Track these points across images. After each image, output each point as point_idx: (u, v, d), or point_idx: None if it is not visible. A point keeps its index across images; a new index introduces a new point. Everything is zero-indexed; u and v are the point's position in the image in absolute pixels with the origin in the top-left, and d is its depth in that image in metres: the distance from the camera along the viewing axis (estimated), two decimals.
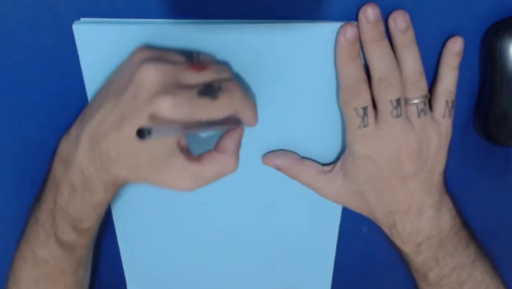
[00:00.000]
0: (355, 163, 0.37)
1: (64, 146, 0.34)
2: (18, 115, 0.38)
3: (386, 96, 0.34)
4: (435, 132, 0.36)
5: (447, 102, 0.36)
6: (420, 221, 0.38)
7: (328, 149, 0.40)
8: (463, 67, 0.36)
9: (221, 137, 0.33)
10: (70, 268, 0.38)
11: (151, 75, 0.29)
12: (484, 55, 0.37)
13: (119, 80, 0.31)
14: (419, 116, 0.35)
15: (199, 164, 0.32)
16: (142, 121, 0.29)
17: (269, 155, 0.39)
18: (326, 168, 0.39)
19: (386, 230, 0.39)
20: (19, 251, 0.38)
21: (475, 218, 0.41)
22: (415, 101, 0.35)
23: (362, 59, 0.35)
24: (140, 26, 0.34)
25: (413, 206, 0.38)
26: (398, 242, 0.39)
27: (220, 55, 0.35)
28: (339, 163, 0.39)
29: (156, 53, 0.31)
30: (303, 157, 0.40)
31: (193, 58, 0.32)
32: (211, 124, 0.30)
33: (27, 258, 0.37)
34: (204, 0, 0.34)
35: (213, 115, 0.29)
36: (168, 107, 0.28)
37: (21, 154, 0.39)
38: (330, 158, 0.40)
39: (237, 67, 0.36)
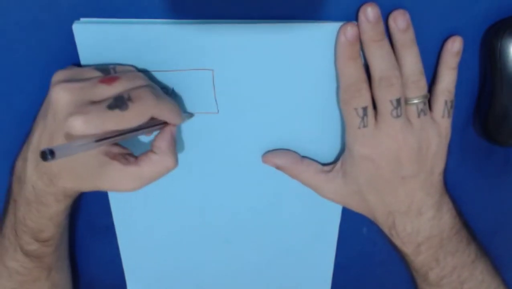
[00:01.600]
0: (355, 163, 0.37)
1: (18, 165, 0.36)
2: (18, 115, 0.38)
3: (386, 96, 0.34)
4: (435, 132, 0.36)
5: (446, 102, 0.36)
6: (420, 221, 0.38)
7: (328, 149, 0.40)
8: (463, 67, 0.36)
9: (154, 138, 0.34)
10: (42, 274, 0.40)
11: (61, 96, 0.30)
12: (484, 55, 0.37)
13: (46, 103, 0.34)
14: (419, 116, 0.35)
15: (137, 166, 0.33)
16: (61, 141, 0.31)
17: (269, 154, 0.39)
18: (326, 168, 0.39)
19: (386, 230, 0.39)
20: None
21: (475, 218, 0.41)
22: (415, 101, 0.35)
23: (363, 59, 0.35)
24: (140, 26, 0.34)
25: (413, 206, 0.38)
26: (398, 242, 0.39)
27: (220, 55, 0.35)
28: (339, 163, 0.39)
29: (69, 73, 0.32)
30: (303, 157, 0.40)
31: (109, 72, 0.34)
32: (135, 130, 0.31)
33: (1, 270, 0.40)
34: (204, 0, 0.34)
35: (126, 124, 0.31)
36: (79, 125, 0.29)
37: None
38: (330, 158, 0.40)
39: (237, 67, 0.36)
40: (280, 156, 0.39)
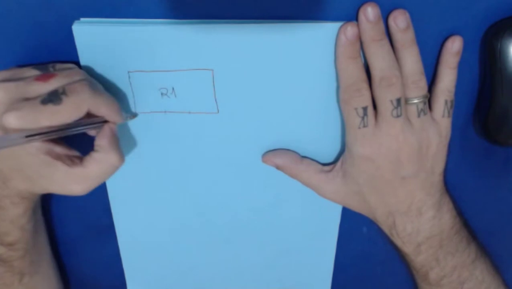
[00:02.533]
0: (355, 163, 0.37)
1: None
2: None
3: (386, 96, 0.34)
4: (435, 132, 0.36)
5: (446, 102, 0.36)
6: (420, 221, 0.38)
7: (328, 149, 0.40)
8: (462, 67, 0.36)
9: (96, 138, 0.34)
10: (14, 279, 0.40)
11: None
12: (484, 55, 0.37)
13: None
14: (419, 116, 0.35)
15: (82, 167, 0.33)
16: None
17: (269, 154, 0.39)
18: (326, 168, 0.39)
19: (386, 230, 0.39)
20: None
21: (475, 218, 0.41)
22: (415, 100, 0.35)
23: (363, 59, 0.35)
24: (140, 26, 0.34)
25: (413, 206, 0.38)
26: (398, 242, 0.39)
27: (220, 55, 0.35)
28: (339, 163, 0.39)
29: (8, 73, 0.32)
30: (303, 157, 0.40)
31: (48, 70, 0.34)
32: (73, 127, 0.31)
33: None
34: (204, 0, 0.34)
35: (61, 119, 0.31)
36: (13, 121, 0.29)
37: None
38: (330, 158, 0.40)
39: (237, 67, 0.36)
40: (280, 156, 0.39)
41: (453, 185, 0.39)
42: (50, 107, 0.30)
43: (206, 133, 0.39)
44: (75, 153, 0.35)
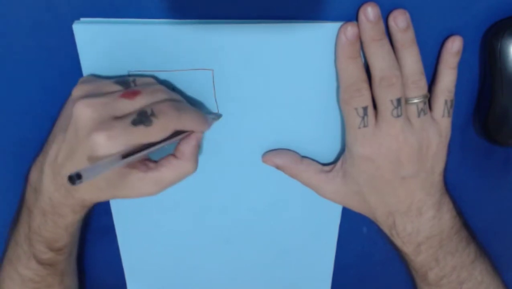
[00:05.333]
0: (355, 163, 0.37)
1: (33, 175, 0.36)
2: (18, 115, 0.38)
3: (387, 96, 0.34)
4: (435, 132, 0.36)
5: (446, 102, 0.36)
6: (420, 221, 0.38)
7: (328, 149, 0.40)
8: (462, 67, 0.36)
9: (179, 143, 0.34)
10: (55, 280, 0.41)
11: (84, 113, 0.30)
12: (484, 55, 0.37)
13: (64, 116, 0.34)
14: (419, 116, 0.35)
15: (157, 171, 0.33)
16: (83, 157, 0.30)
17: (269, 154, 0.39)
18: (326, 168, 0.39)
19: (386, 230, 0.39)
20: (5, 272, 0.41)
21: (475, 218, 0.41)
22: (415, 100, 0.35)
23: (363, 59, 0.35)
24: (140, 26, 0.34)
25: (413, 206, 0.38)
26: (398, 242, 0.39)
27: (220, 55, 0.35)
28: (339, 163, 0.39)
29: (89, 88, 0.32)
30: (303, 157, 0.40)
31: (129, 85, 0.33)
32: (159, 142, 0.31)
33: (13, 277, 0.40)
34: (204, 0, 0.34)
35: (151, 139, 0.31)
36: (104, 143, 0.29)
37: (20, 154, 0.39)
38: (330, 158, 0.40)
39: (237, 67, 0.36)
40: (280, 156, 0.39)
41: (453, 185, 0.39)
42: (141, 129, 0.30)
43: (206, 133, 0.39)
44: (146, 156, 0.34)
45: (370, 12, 0.33)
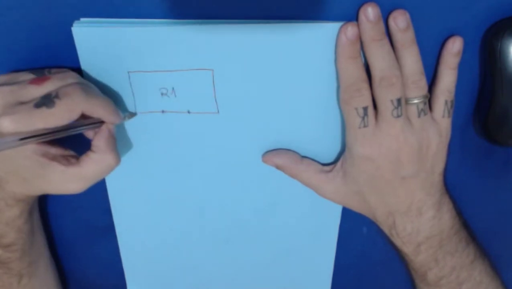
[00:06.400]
0: (355, 163, 0.37)
1: None
2: None
3: (387, 96, 0.34)
4: (435, 132, 0.36)
5: (446, 102, 0.36)
6: (420, 221, 0.38)
7: (328, 149, 0.40)
8: (463, 67, 0.36)
9: (93, 138, 0.34)
10: (12, 280, 0.41)
11: None
12: (484, 55, 0.37)
13: None
14: (419, 116, 0.35)
15: (78, 166, 0.34)
16: None
17: (269, 153, 0.39)
18: (326, 168, 0.39)
19: (386, 230, 0.39)
20: None
21: (475, 218, 0.41)
22: (415, 101, 0.35)
23: (363, 59, 0.35)
24: (140, 26, 0.34)
25: (413, 206, 0.38)
26: (398, 242, 0.39)
27: (220, 55, 0.35)
28: (339, 163, 0.39)
29: (3, 78, 0.33)
30: (303, 157, 0.40)
31: (43, 74, 0.34)
32: (70, 127, 0.32)
33: None
34: (204, 0, 0.34)
35: (55, 122, 0.31)
36: (8, 125, 0.30)
37: None
38: (330, 158, 0.40)
39: (237, 67, 0.36)
40: (280, 155, 0.39)
41: (453, 185, 0.39)
42: (43, 110, 0.31)
43: (206, 133, 0.39)
44: (71, 152, 0.35)
45: (370, 12, 0.33)
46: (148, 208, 0.43)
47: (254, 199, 0.42)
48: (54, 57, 0.36)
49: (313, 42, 0.35)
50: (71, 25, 0.34)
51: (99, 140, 0.34)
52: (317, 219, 0.44)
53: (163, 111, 0.38)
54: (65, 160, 0.34)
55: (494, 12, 0.36)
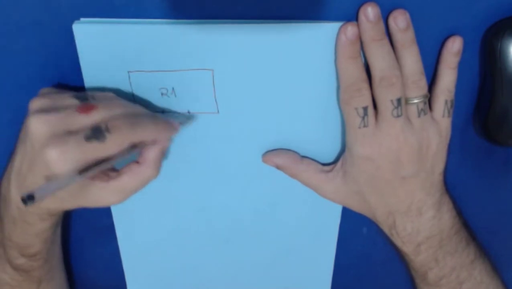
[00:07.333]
0: (355, 163, 0.37)
1: (3, 185, 0.36)
2: (18, 115, 0.38)
3: (387, 96, 0.34)
4: (435, 132, 0.36)
5: (446, 102, 0.36)
6: (420, 221, 0.38)
7: (328, 149, 0.40)
8: (463, 67, 0.36)
9: (143, 149, 0.34)
10: (32, 287, 0.41)
11: (38, 128, 0.30)
12: (484, 55, 0.37)
13: (23, 129, 0.33)
14: (419, 116, 0.35)
15: (118, 180, 0.33)
16: (41, 172, 0.30)
17: (269, 153, 0.39)
18: (326, 168, 0.39)
19: (386, 230, 0.39)
20: None
21: (475, 218, 0.41)
22: (415, 100, 0.35)
23: (363, 59, 0.35)
24: (140, 26, 0.34)
25: (413, 206, 0.38)
26: (398, 242, 0.39)
27: (220, 55, 0.35)
28: (339, 163, 0.39)
29: (46, 102, 0.32)
30: (303, 157, 0.40)
31: (87, 99, 0.33)
32: (121, 154, 0.31)
33: None
34: (204, 0, 0.34)
35: (106, 154, 0.31)
36: (57, 158, 0.29)
37: None
38: (330, 158, 0.40)
39: (237, 67, 0.36)
40: (280, 155, 0.39)
41: (453, 185, 0.39)
42: (94, 144, 0.30)
43: (206, 133, 0.39)
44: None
45: (370, 12, 0.33)
46: (148, 208, 0.43)
47: (254, 199, 0.42)
48: (54, 57, 0.36)
49: (313, 42, 0.35)
50: (71, 25, 0.34)
51: (148, 152, 0.33)
52: (317, 219, 0.44)
53: (163, 111, 0.38)
54: (105, 176, 0.33)
55: (494, 12, 0.36)
